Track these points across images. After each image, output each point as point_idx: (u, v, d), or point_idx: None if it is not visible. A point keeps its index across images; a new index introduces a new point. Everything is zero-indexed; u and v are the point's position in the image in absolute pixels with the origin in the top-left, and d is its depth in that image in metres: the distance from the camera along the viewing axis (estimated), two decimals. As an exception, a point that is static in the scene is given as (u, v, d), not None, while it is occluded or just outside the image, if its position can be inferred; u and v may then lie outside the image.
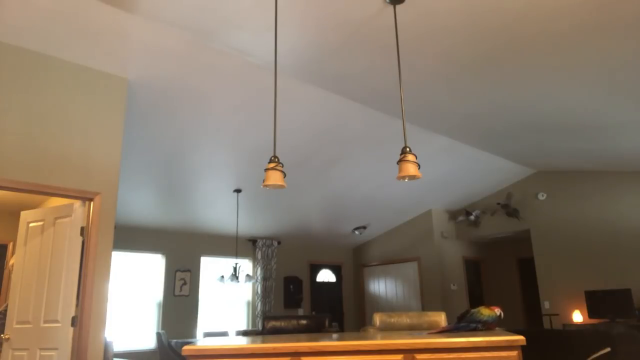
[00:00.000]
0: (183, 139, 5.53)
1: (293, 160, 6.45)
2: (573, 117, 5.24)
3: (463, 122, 5.71)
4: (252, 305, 9.12)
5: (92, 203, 4.02)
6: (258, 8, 3.35)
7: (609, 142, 6.05)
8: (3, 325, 4.98)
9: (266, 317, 6.48)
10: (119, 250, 7.70)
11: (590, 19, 3.23)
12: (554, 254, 8.07)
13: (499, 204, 8.82)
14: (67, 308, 3.86)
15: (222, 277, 7.85)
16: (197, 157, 6.02)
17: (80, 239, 3.98)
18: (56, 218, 4.18)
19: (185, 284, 8.27)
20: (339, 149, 6.38)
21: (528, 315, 9.88)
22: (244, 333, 7.72)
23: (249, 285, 9.17)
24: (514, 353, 2.41)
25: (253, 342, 2.54)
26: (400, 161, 2.97)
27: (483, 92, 4.71)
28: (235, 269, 7.81)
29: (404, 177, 2.99)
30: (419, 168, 2.99)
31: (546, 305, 8.04)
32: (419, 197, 8.71)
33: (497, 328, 3.09)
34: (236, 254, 9.09)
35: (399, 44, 3.76)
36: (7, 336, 4.06)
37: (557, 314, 7.84)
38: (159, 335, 6.57)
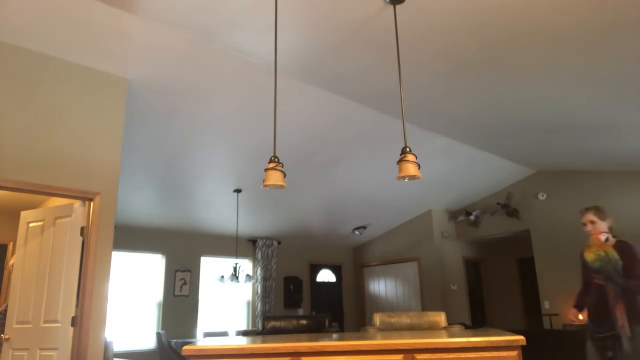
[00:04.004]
0: (183, 138, 5.53)
1: (293, 160, 6.45)
2: (573, 116, 5.24)
3: (463, 121, 5.71)
4: (252, 305, 9.12)
5: (92, 203, 4.02)
6: (258, 8, 3.35)
7: (609, 142, 6.05)
8: (3, 325, 4.98)
9: (266, 317, 6.48)
10: (119, 250, 7.70)
11: (590, 17, 3.23)
12: (554, 254, 8.07)
13: (499, 204, 8.82)
14: (67, 308, 3.86)
15: (222, 277, 7.85)
16: (197, 157, 6.02)
17: (80, 239, 3.98)
18: (56, 218, 4.18)
19: (185, 284, 8.27)
20: (339, 149, 6.38)
21: (528, 315, 9.88)
22: (244, 333, 7.71)
23: (249, 285, 9.17)
24: (514, 353, 2.41)
25: (253, 342, 2.54)
26: (400, 161, 2.97)
27: (483, 92, 4.71)
28: (235, 269, 7.81)
29: (404, 177, 2.99)
30: (419, 168, 2.99)
31: (546, 305, 8.04)
32: (419, 197, 8.71)
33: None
34: (236, 254, 9.09)
35: (399, 44, 3.76)
36: (7, 336, 4.06)
37: (557, 314, 7.84)
38: (159, 335, 6.57)
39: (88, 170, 4.03)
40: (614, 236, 3.44)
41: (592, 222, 3.43)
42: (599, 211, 3.45)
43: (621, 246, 3.32)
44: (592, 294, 3.40)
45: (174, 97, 4.73)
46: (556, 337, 5.31)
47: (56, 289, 3.95)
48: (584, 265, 3.48)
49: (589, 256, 3.35)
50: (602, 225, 3.41)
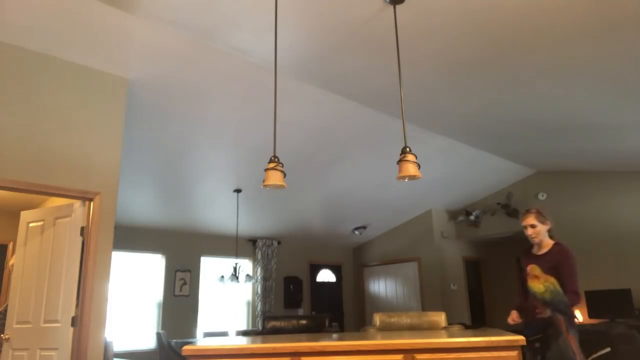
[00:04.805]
0: (183, 138, 5.53)
1: (293, 160, 6.45)
2: (573, 116, 5.24)
3: (463, 121, 5.71)
4: (252, 305, 9.12)
5: (92, 203, 4.02)
6: (258, 8, 3.35)
7: (609, 142, 6.05)
8: (3, 325, 4.98)
9: (266, 317, 6.48)
10: (119, 250, 7.70)
11: (591, 16, 3.23)
12: (554, 254, 8.06)
13: (499, 204, 8.81)
14: (67, 308, 3.86)
15: (222, 277, 7.85)
16: (197, 157, 6.02)
17: (80, 239, 3.98)
18: (56, 218, 4.18)
19: (185, 284, 8.27)
20: (339, 149, 6.38)
21: (528, 315, 9.87)
22: (244, 333, 7.71)
23: (249, 285, 9.17)
24: (514, 353, 2.41)
25: (253, 342, 2.54)
26: (400, 161, 2.97)
27: (483, 92, 4.71)
28: (235, 269, 7.81)
29: (404, 177, 2.99)
30: (419, 168, 2.99)
31: (546, 305, 8.03)
32: (419, 197, 8.71)
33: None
34: (236, 254, 9.09)
35: (399, 44, 3.76)
36: (7, 336, 4.06)
37: (557, 314, 7.83)
38: (159, 335, 6.56)
39: (88, 170, 4.03)
40: (551, 238, 3.35)
41: (533, 226, 3.34)
42: (540, 214, 3.34)
43: (559, 250, 3.24)
44: (527, 299, 3.28)
45: (174, 97, 4.73)
46: (556, 337, 5.30)
47: (56, 289, 3.95)
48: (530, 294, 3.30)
49: (537, 287, 3.08)
50: (542, 229, 3.33)
